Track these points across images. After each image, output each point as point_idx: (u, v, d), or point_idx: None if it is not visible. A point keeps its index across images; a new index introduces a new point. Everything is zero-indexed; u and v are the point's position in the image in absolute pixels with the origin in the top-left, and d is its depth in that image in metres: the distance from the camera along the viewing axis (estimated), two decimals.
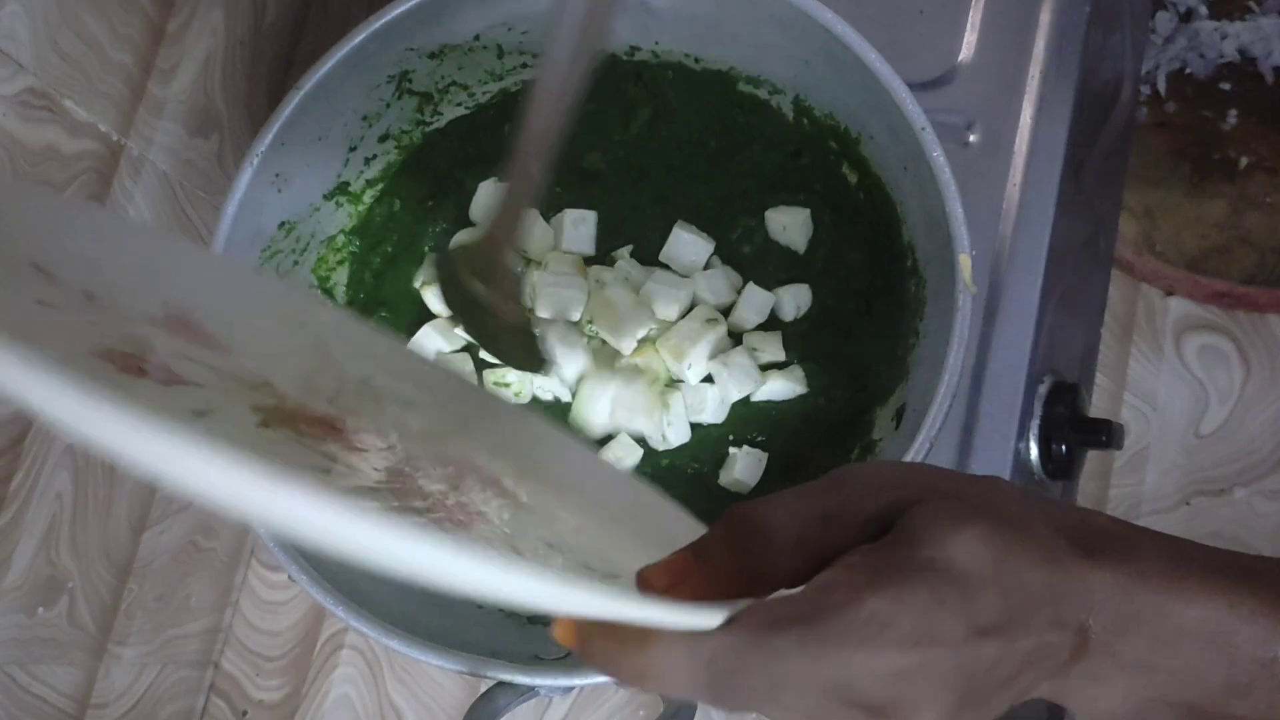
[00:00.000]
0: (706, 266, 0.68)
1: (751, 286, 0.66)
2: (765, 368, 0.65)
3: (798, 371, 0.65)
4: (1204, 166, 0.93)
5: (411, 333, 0.68)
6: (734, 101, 0.69)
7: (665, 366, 0.65)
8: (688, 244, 0.67)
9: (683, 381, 0.65)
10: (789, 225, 0.67)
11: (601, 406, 0.65)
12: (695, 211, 0.69)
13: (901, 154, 0.61)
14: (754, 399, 0.65)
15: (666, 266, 0.68)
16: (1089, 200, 0.76)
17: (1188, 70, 0.95)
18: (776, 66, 0.67)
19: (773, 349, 0.65)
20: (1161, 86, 0.95)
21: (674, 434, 0.65)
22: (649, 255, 0.69)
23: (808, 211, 0.67)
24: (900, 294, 0.64)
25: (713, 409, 0.65)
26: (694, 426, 0.65)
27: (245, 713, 1.00)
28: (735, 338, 0.66)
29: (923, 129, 0.58)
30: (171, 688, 0.96)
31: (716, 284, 0.66)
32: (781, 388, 0.65)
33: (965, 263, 0.57)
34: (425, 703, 0.98)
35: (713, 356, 0.64)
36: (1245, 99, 0.93)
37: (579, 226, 0.68)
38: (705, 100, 0.70)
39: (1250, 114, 0.93)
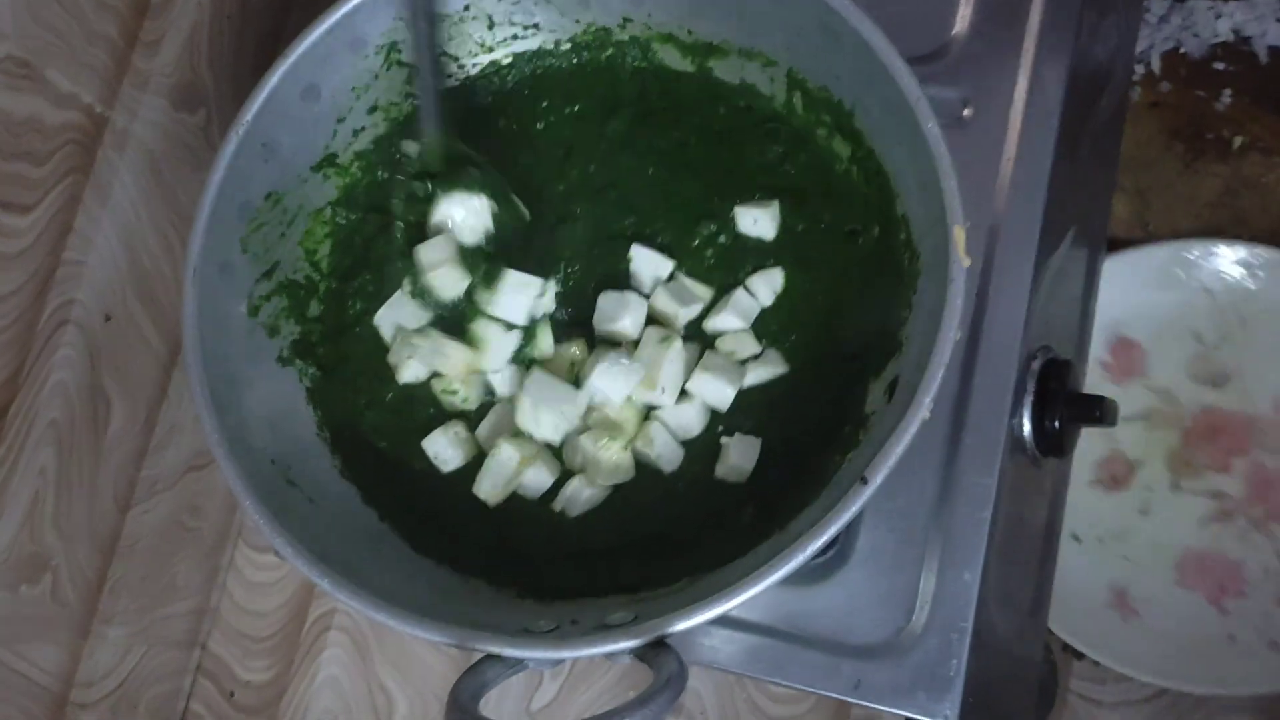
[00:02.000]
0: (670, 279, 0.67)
1: (740, 292, 0.65)
2: (742, 362, 0.65)
3: (773, 354, 0.64)
4: (1198, 146, 0.93)
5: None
6: (718, 95, 0.69)
7: (636, 412, 0.63)
8: (647, 262, 0.66)
9: (659, 408, 0.63)
10: (759, 218, 0.66)
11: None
12: (664, 219, 0.68)
13: (896, 126, 0.60)
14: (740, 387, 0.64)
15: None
16: (1083, 177, 0.76)
17: (1182, 50, 0.94)
18: (770, 38, 0.66)
19: (747, 346, 0.65)
20: (1155, 66, 0.95)
21: (668, 463, 0.64)
22: (610, 272, 0.68)
23: (776, 203, 0.66)
24: (894, 267, 0.63)
25: (699, 421, 0.64)
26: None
27: (232, 693, 1.00)
28: (708, 342, 0.65)
29: (917, 100, 0.58)
30: (158, 668, 0.95)
31: (680, 292, 0.65)
32: (763, 373, 0.64)
33: (960, 235, 0.56)
34: (415, 684, 0.97)
35: (686, 372, 0.63)
36: (1239, 78, 0.93)
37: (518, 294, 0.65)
38: (688, 96, 0.69)
39: (1244, 93, 0.92)
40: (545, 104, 0.71)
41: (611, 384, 0.63)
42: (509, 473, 0.63)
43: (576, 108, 0.71)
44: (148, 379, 0.88)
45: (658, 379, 0.62)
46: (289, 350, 0.67)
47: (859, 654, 0.63)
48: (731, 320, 0.65)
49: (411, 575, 0.62)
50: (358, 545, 0.62)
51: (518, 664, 0.54)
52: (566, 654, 0.53)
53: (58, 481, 0.81)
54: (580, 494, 0.63)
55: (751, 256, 0.67)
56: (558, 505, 0.64)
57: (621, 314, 0.64)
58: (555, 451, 0.65)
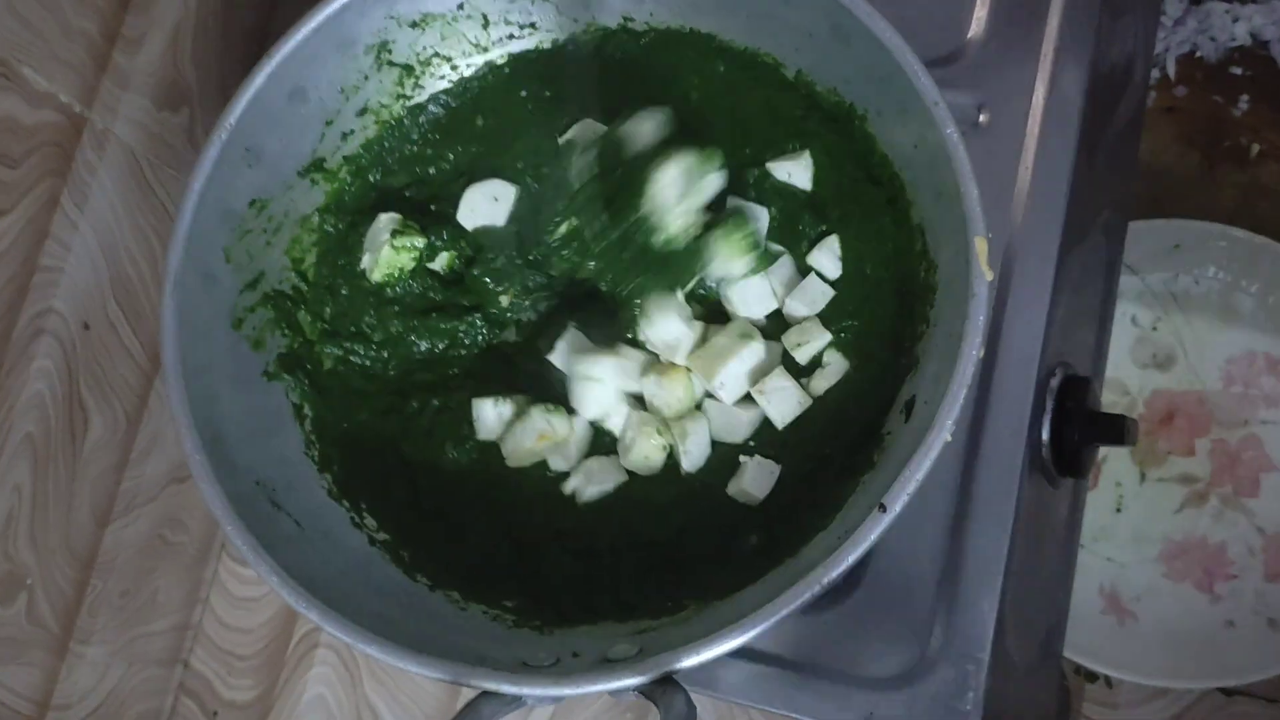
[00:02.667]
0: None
1: (812, 278, 0.62)
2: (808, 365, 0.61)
3: (834, 354, 0.61)
4: (1214, 154, 0.90)
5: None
6: (717, 52, 0.66)
7: (691, 389, 0.61)
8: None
9: (713, 399, 0.61)
10: (793, 171, 0.63)
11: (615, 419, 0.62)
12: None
13: (912, 131, 0.57)
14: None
15: None
16: (1102, 184, 0.73)
17: (1198, 54, 0.92)
18: (777, 38, 0.64)
19: (816, 336, 0.61)
20: (1171, 70, 0.92)
21: (689, 460, 0.61)
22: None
23: (807, 152, 0.63)
24: (909, 280, 0.60)
25: (748, 429, 0.61)
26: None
27: (215, 713, 0.97)
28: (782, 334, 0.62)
29: (935, 104, 0.55)
30: (138, 687, 0.92)
31: (783, 273, 0.62)
32: (827, 379, 0.60)
33: (981, 246, 0.53)
34: (404, 704, 0.94)
35: (754, 377, 0.60)
36: (1257, 83, 0.91)
37: None
38: (683, 57, 0.67)
39: (1262, 99, 0.90)
40: (524, 92, 0.68)
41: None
42: (529, 443, 0.62)
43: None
44: (128, 389, 0.85)
45: (716, 372, 0.60)
46: (275, 364, 0.64)
47: (871, 685, 0.61)
48: (800, 307, 0.62)
49: (404, 603, 0.59)
50: (347, 571, 0.59)
51: (516, 701, 0.52)
52: (568, 690, 0.51)
53: (34, 497, 0.78)
54: (593, 476, 0.61)
55: (805, 213, 0.63)
56: (569, 487, 0.61)
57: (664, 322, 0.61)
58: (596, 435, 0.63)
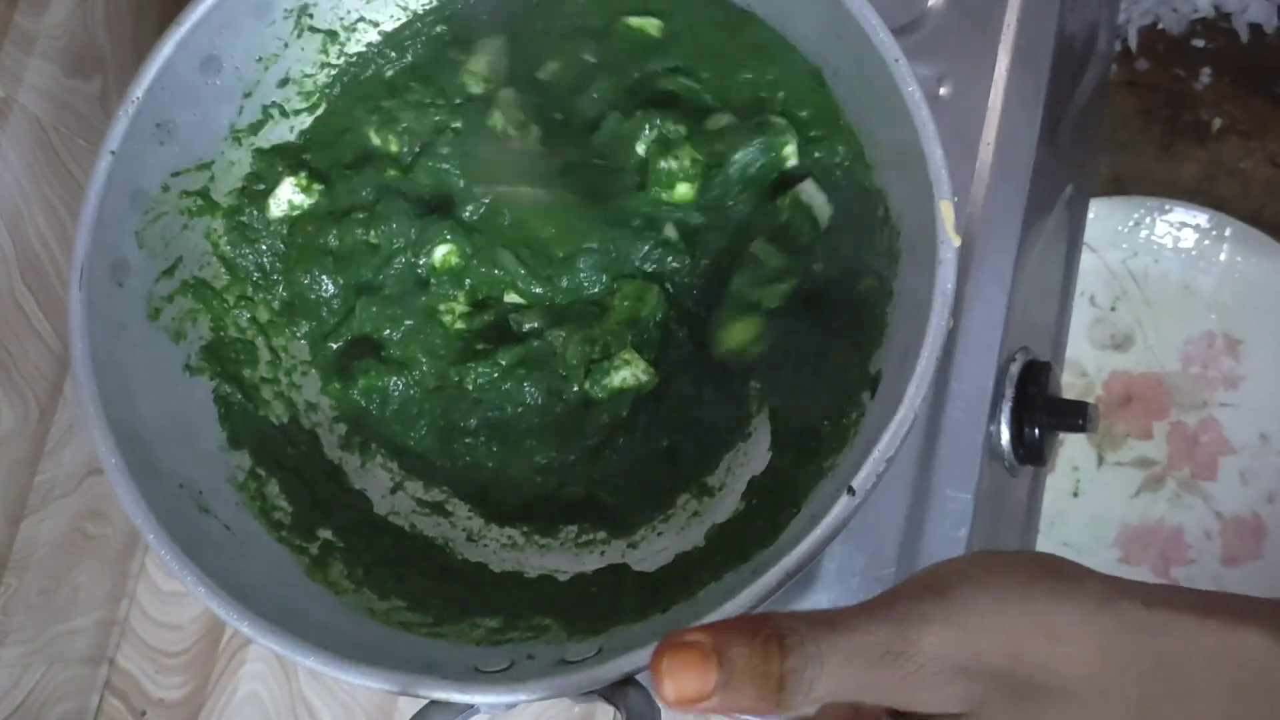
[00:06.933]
0: None
1: None
2: None
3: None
4: (1175, 129, 0.89)
5: None
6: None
7: None
8: None
9: None
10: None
11: None
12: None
13: (869, 90, 0.54)
14: None
15: None
16: (1066, 159, 0.71)
17: (1160, 25, 0.90)
18: None
19: None
20: (1132, 42, 0.90)
21: None
22: None
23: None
24: (871, 247, 0.57)
25: None
26: None
27: (144, 713, 0.93)
28: None
29: (895, 60, 0.52)
30: (60, 688, 0.88)
31: None
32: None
33: (947, 210, 0.50)
34: (343, 700, 0.91)
35: None
36: (1219, 57, 0.89)
37: None
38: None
39: (1224, 73, 0.88)
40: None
41: None
42: None
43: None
44: (40, 375, 0.80)
45: None
46: (198, 357, 0.60)
47: None
48: None
49: (342, 608, 0.56)
50: (286, 577, 0.56)
51: (468, 709, 0.49)
52: (523, 696, 0.48)
53: None
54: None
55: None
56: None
57: None
58: None
